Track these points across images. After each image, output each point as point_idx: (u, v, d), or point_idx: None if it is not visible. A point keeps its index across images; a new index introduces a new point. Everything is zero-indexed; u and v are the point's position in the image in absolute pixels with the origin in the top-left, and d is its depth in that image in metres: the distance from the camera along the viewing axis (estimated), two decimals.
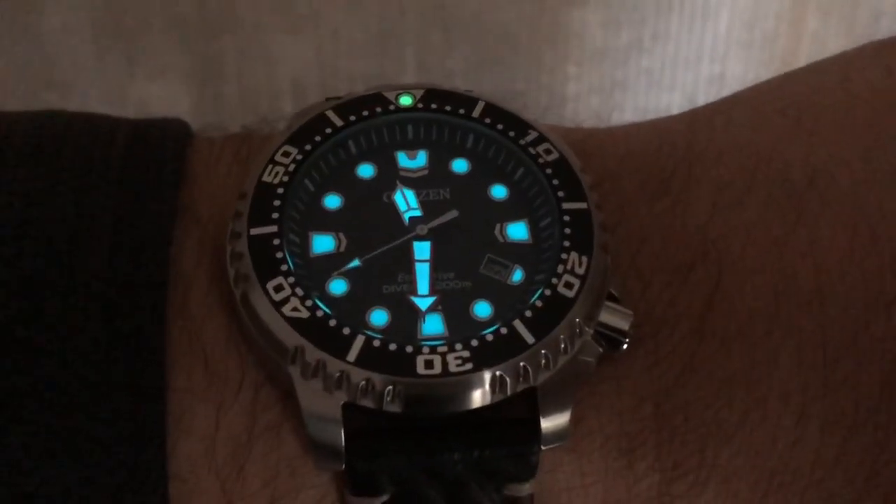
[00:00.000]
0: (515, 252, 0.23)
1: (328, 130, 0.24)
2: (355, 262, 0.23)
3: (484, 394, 0.21)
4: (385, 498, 0.22)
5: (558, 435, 0.22)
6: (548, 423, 0.22)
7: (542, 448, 0.22)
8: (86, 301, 0.21)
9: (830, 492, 0.23)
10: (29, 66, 0.37)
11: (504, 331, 0.22)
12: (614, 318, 0.23)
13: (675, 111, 0.43)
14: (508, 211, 0.24)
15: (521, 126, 0.25)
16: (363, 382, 0.21)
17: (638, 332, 0.23)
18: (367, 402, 0.21)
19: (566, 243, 0.23)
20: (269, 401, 0.22)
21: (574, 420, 0.22)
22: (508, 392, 0.22)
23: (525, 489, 0.22)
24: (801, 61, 0.44)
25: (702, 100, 0.44)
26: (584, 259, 0.23)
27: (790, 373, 0.23)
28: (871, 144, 0.24)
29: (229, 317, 0.23)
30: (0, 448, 0.21)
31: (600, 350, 0.23)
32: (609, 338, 0.23)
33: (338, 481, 0.22)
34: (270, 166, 0.23)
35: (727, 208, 0.24)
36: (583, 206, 0.23)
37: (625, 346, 0.23)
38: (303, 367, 0.21)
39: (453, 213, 0.24)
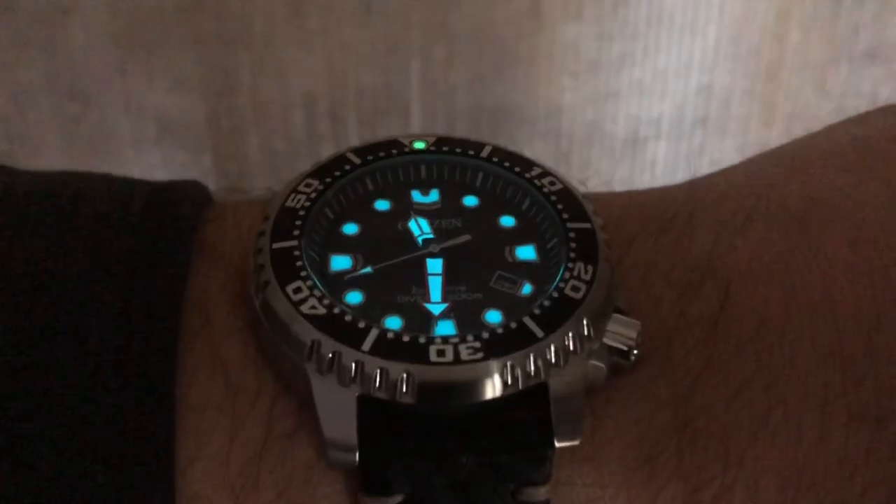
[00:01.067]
0: (524, 269, 0.24)
1: (347, 167, 0.25)
2: (367, 269, 0.24)
3: (495, 385, 0.22)
4: (399, 499, 0.22)
5: (571, 434, 0.22)
6: (560, 422, 0.22)
7: (556, 445, 0.22)
8: (98, 344, 0.22)
9: (863, 487, 0.22)
10: (54, 79, 0.38)
11: (514, 325, 0.22)
12: (622, 327, 0.23)
13: (665, 120, 0.44)
14: (517, 236, 0.25)
15: (527, 163, 0.26)
16: (377, 371, 0.22)
17: (650, 343, 0.23)
18: (381, 394, 0.22)
19: (572, 254, 0.24)
20: (285, 410, 0.22)
21: (591, 430, 0.22)
22: (520, 385, 0.22)
23: (541, 494, 0.22)
24: (785, 72, 0.46)
25: (690, 109, 0.45)
26: (590, 267, 0.23)
27: (809, 372, 0.23)
28: (865, 178, 0.25)
29: (249, 336, 0.23)
30: (14, 494, 0.21)
31: (612, 358, 0.23)
32: (619, 350, 0.23)
33: (351, 489, 0.22)
34: (293, 195, 0.25)
35: (730, 235, 0.25)
36: (587, 225, 0.24)
37: (634, 356, 0.23)
38: (319, 361, 0.22)
39: (466, 237, 0.25)
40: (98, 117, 0.39)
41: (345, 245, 0.24)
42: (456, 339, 0.22)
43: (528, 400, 0.22)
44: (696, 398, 0.23)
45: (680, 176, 0.46)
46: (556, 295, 0.23)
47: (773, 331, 0.23)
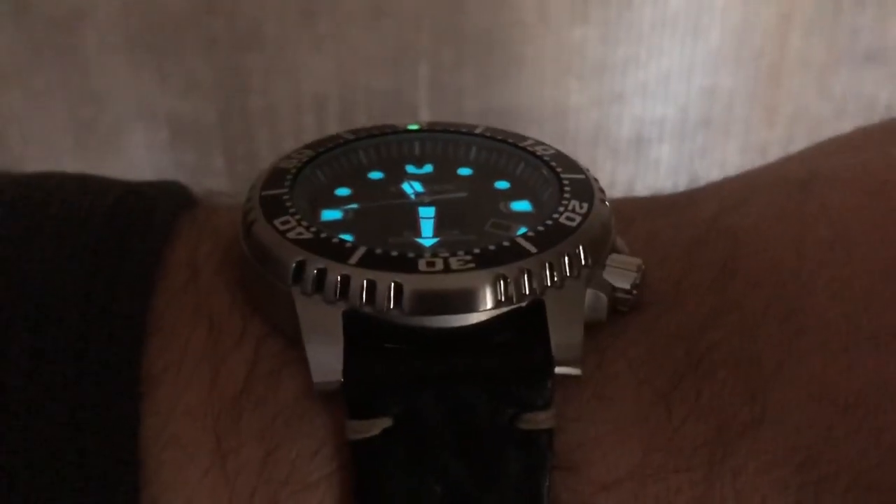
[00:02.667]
0: (519, 217, 0.23)
1: (341, 141, 0.25)
2: (355, 205, 0.23)
3: (488, 298, 0.21)
4: (387, 423, 0.20)
5: (571, 354, 0.21)
6: (558, 339, 0.21)
7: (556, 369, 0.20)
8: (56, 329, 0.21)
9: None
10: (67, 82, 0.38)
11: (507, 243, 0.22)
12: (622, 260, 0.22)
13: (668, 122, 0.45)
14: (512, 194, 0.24)
15: (520, 137, 0.26)
16: (364, 283, 0.20)
17: (657, 287, 0.22)
18: (368, 309, 0.21)
19: (566, 195, 0.23)
20: (271, 350, 0.22)
21: (597, 364, 0.21)
22: (514, 301, 0.21)
23: (542, 420, 0.20)
24: (786, 74, 0.47)
25: (693, 111, 0.46)
26: (585, 204, 0.23)
27: (828, 303, 0.22)
28: (866, 157, 0.25)
29: (236, 291, 0.22)
30: None
31: (613, 293, 0.22)
32: (621, 286, 0.22)
33: (338, 420, 0.21)
34: (286, 159, 0.24)
35: (733, 206, 0.24)
36: (581, 176, 0.24)
37: (636, 290, 0.22)
38: (303, 282, 0.21)
39: (461, 194, 0.24)
40: (111, 119, 0.39)
41: (336, 203, 0.24)
42: (446, 253, 0.21)
43: (524, 323, 0.21)
44: (709, 333, 0.22)
45: (683, 176, 0.46)
46: (550, 223, 0.22)
47: (785, 271, 0.22)
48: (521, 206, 0.24)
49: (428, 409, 0.20)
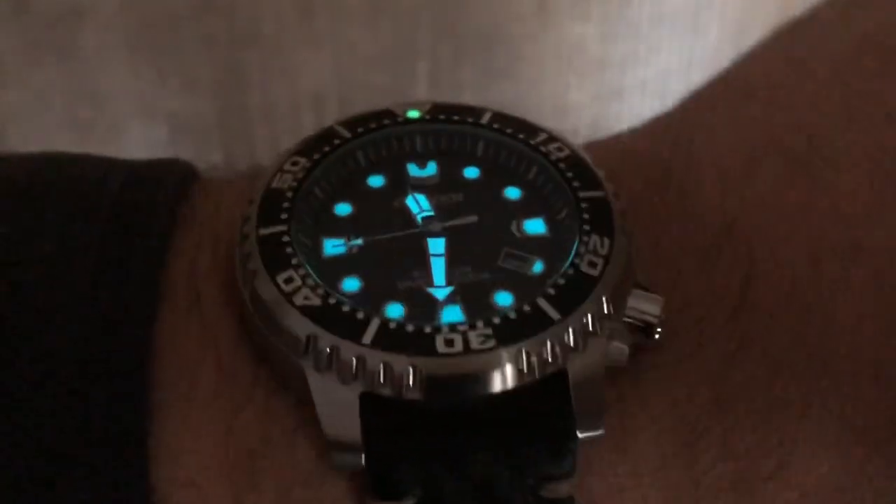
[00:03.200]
0: (534, 245, 0.22)
1: (336, 142, 0.24)
2: (358, 241, 0.22)
3: (510, 374, 0.20)
4: (410, 502, 0.20)
5: (594, 423, 0.20)
6: (582, 410, 0.20)
7: (579, 435, 0.20)
8: (60, 340, 0.20)
9: None
10: (66, 82, 0.38)
11: (527, 308, 0.21)
12: (645, 303, 0.22)
13: None
14: (524, 209, 0.23)
15: (530, 129, 0.24)
16: (381, 366, 0.20)
17: (677, 319, 0.22)
18: (386, 390, 0.20)
19: (586, 227, 0.22)
20: (282, 406, 0.21)
21: (618, 416, 0.21)
22: (537, 374, 0.20)
23: (564, 489, 0.20)
24: None
25: None
26: (606, 240, 0.22)
27: (852, 329, 0.21)
28: (847, 93, 0.24)
29: (240, 324, 0.22)
30: None
31: (634, 337, 0.21)
32: (642, 328, 0.21)
33: (356, 489, 0.21)
34: (279, 174, 0.23)
35: (736, 185, 0.23)
36: (600, 194, 0.23)
37: (658, 334, 0.21)
38: (316, 357, 0.20)
39: (470, 218, 0.23)
40: (110, 118, 0.39)
41: (337, 227, 0.23)
42: (465, 327, 0.20)
43: (545, 388, 0.20)
44: (734, 376, 0.21)
45: None
46: (570, 272, 0.21)
47: (807, 293, 0.21)
48: (535, 226, 0.23)
49: (451, 487, 0.20)
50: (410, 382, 0.20)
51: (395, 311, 0.21)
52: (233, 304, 0.22)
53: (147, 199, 0.23)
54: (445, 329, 0.20)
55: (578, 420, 0.20)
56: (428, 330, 0.20)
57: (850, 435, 0.21)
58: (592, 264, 0.21)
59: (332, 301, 0.21)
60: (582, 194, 0.23)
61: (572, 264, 0.21)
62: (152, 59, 0.39)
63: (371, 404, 0.20)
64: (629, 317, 0.21)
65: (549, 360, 0.20)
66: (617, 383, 0.21)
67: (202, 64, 0.39)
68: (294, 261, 0.21)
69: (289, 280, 0.21)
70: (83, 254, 0.21)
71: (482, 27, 0.40)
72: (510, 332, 0.20)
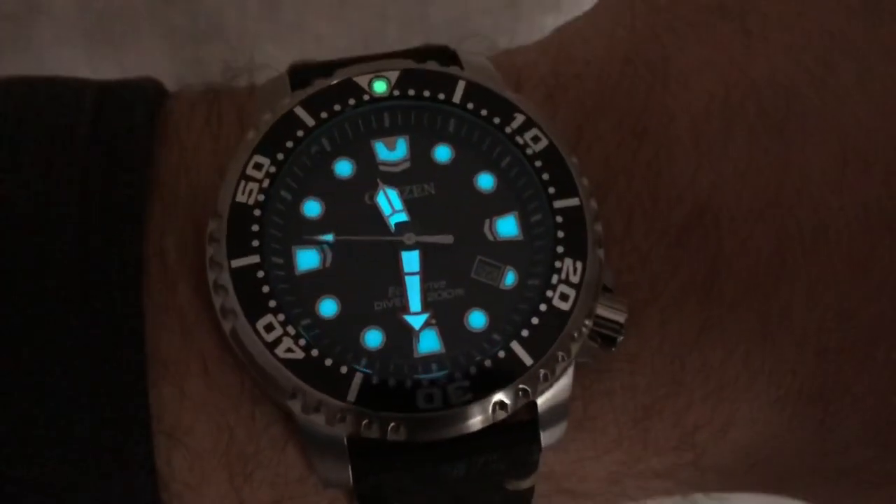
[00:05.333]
0: (507, 251, 0.22)
1: (300, 133, 0.23)
2: (329, 236, 0.22)
3: (486, 418, 0.21)
4: None
5: (556, 431, 0.22)
6: (546, 425, 0.22)
7: (543, 444, 0.22)
8: (57, 279, 0.21)
9: (855, 409, 0.23)
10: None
11: (502, 354, 0.22)
12: (610, 312, 0.22)
13: None
14: (497, 203, 0.23)
15: (506, 109, 0.23)
16: (365, 421, 0.21)
17: (642, 311, 0.23)
18: (371, 434, 0.21)
19: (560, 249, 0.22)
20: (270, 416, 0.22)
21: (582, 404, 0.23)
22: (509, 411, 0.21)
23: (525, 484, 0.22)
24: None
25: None
26: (579, 265, 0.22)
27: (804, 318, 0.23)
28: (828, 45, 0.24)
29: (220, 327, 0.22)
30: None
31: (596, 346, 0.22)
32: (604, 335, 0.22)
33: (345, 496, 0.22)
34: (243, 183, 0.22)
35: (711, 151, 0.23)
36: (575, 202, 0.22)
37: (619, 341, 0.22)
38: (303, 406, 0.21)
39: (445, 237, 0.23)
40: None
41: (308, 231, 0.22)
42: (443, 381, 0.21)
43: (515, 420, 0.22)
44: (691, 362, 0.23)
45: None
46: (543, 308, 0.22)
47: (768, 282, 0.23)
48: (508, 227, 0.23)
49: (431, 497, 0.22)
50: (395, 433, 0.21)
51: (373, 339, 0.22)
52: (206, 287, 0.22)
53: (121, 125, 0.23)
54: (426, 384, 0.21)
55: (543, 432, 0.22)
56: (409, 384, 0.21)
57: (786, 397, 0.23)
58: (564, 297, 0.22)
59: (314, 354, 0.21)
60: (557, 204, 0.23)
61: (545, 299, 0.22)
62: (112, 53, 0.38)
63: (358, 441, 0.21)
64: (595, 325, 0.22)
65: (521, 398, 0.22)
66: (581, 375, 0.22)
67: (163, 58, 0.38)
68: (272, 303, 0.21)
69: (269, 328, 0.21)
70: (67, 195, 0.21)
71: (451, 20, 0.39)
72: (485, 382, 0.21)
